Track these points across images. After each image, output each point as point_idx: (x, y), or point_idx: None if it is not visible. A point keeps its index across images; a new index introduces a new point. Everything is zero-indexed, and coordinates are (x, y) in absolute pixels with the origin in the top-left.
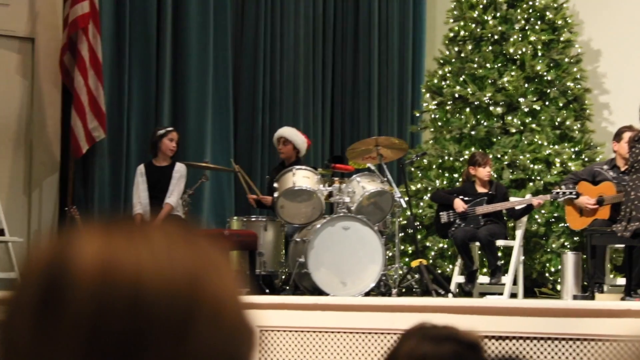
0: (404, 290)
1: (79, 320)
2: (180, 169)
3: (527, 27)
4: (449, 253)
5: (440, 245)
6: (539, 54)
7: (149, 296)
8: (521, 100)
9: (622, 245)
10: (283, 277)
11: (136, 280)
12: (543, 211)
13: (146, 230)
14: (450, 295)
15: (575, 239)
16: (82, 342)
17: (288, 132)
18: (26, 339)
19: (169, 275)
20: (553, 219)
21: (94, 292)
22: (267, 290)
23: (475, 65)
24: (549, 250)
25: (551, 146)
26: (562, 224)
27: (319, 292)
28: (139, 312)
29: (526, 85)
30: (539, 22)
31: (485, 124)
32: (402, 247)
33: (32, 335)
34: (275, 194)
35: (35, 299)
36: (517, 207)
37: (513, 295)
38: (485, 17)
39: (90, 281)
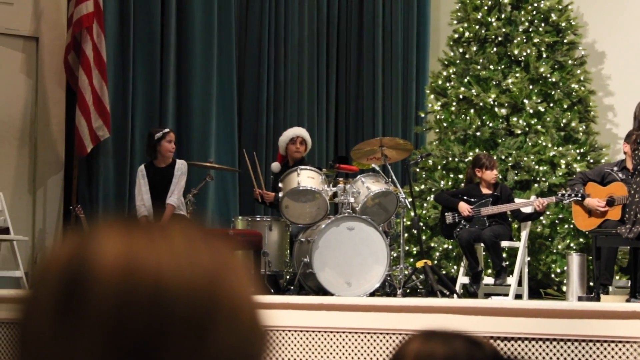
0: (408, 290)
1: (100, 318)
2: (181, 166)
3: (531, 29)
4: (454, 254)
5: (445, 246)
6: (544, 55)
7: (170, 295)
8: (526, 101)
9: (628, 247)
10: (288, 277)
11: (157, 279)
12: (548, 212)
13: (166, 230)
14: (455, 296)
15: (580, 240)
16: (103, 339)
17: (304, 132)
18: (46, 336)
19: (189, 275)
20: (558, 220)
21: (116, 290)
22: (272, 290)
23: (480, 67)
24: (554, 251)
25: (556, 148)
26: (567, 225)
27: (324, 292)
28: (160, 311)
29: (530, 86)
30: (543, 24)
31: (489, 125)
32: (407, 248)
33: (52, 333)
34: (280, 194)
35: (55, 296)
36: (523, 210)
37: (518, 297)
38: (490, 19)
39: (112, 279)
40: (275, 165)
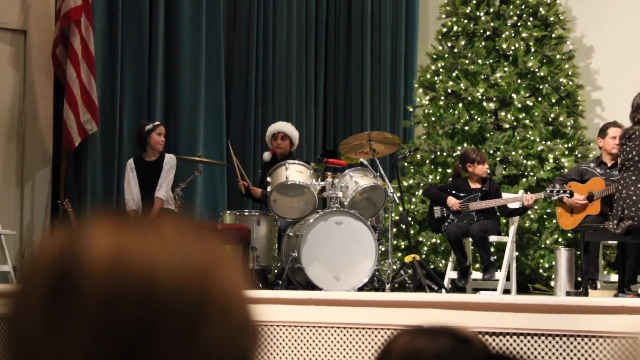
0: (397, 285)
1: (90, 312)
2: (170, 160)
3: (519, 23)
4: (442, 248)
5: (433, 240)
6: (532, 50)
7: (161, 290)
8: (514, 96)
9: (616, 242)
10: (276, 271)
11: (148, 274)
12: (536, 207)
13: (157, 224)
14: (443, 290)
15: (568, 235)
16: (94, 334)
17: (286, 126)
18: (36, 331)
19: (181, 270)
20: (546, 215)
21: (106, 285)
22: (260, 285)
23: (468, 61)
24: (542, 246)
25: (544, 142)
26: (555, 220)
27: (313, 286)
28: (151, 306)
29: (519, 81)
30: (531, 19)
31: (478, 119)
32: (395, 242)
33: (42, 327)
34: (268, 188)
35: (45, 290)
36: (510, 205)
37: (506, 291)
38: (478, 13)
39: (102, 273)
40: (267, 155)
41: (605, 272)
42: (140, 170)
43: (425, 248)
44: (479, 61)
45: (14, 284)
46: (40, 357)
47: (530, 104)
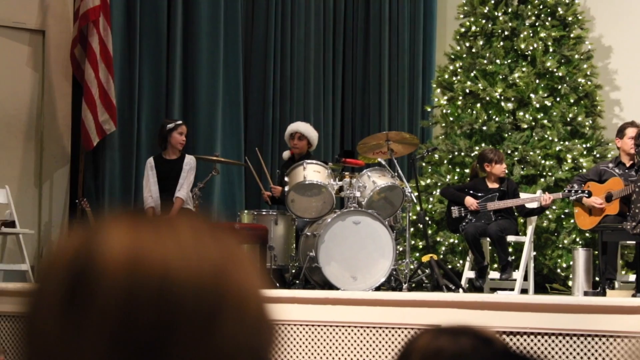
0: (414, 285)
1: (107, 312)
2: (190, 161)
3: (537, 23)
4: (460, 248)
5: (451, 240)
6: (550, 50)
7: (177, 288)
8: (532, 96)
9: (633, 242)
10: (293, 271)
11: (164, 273)
12: (554, 207)
13: (173, 223)
14: (460, 290)
15: (586, 235)
16: (110, 333)
17: (303, 127)
18: (53, 330)
19: (196, 268)
20: (564, 215)
21: (122, 284)
22: (278, 284)
23: (486, 61)
24: (560, 246)
25: (562, 142)
26: (573, 220)
27: (330, 286)
28: (167, 304)
29: (537, 81)
30: (549, 18)
31: (496, 119)
32: (413, 242)
33: (59, 327)
34: (286, 188)
35: (62, 290)
36: (528, 205)
37: (524, 291)
38: (496, 13)
39: (118, 273)
40: (286, 154)
41: (623, 272)
42: (159, 169)
43: (443, 248)
44: (497, 61)
45: (32, 283)
46: (57, 355)
47: (549, 104)
